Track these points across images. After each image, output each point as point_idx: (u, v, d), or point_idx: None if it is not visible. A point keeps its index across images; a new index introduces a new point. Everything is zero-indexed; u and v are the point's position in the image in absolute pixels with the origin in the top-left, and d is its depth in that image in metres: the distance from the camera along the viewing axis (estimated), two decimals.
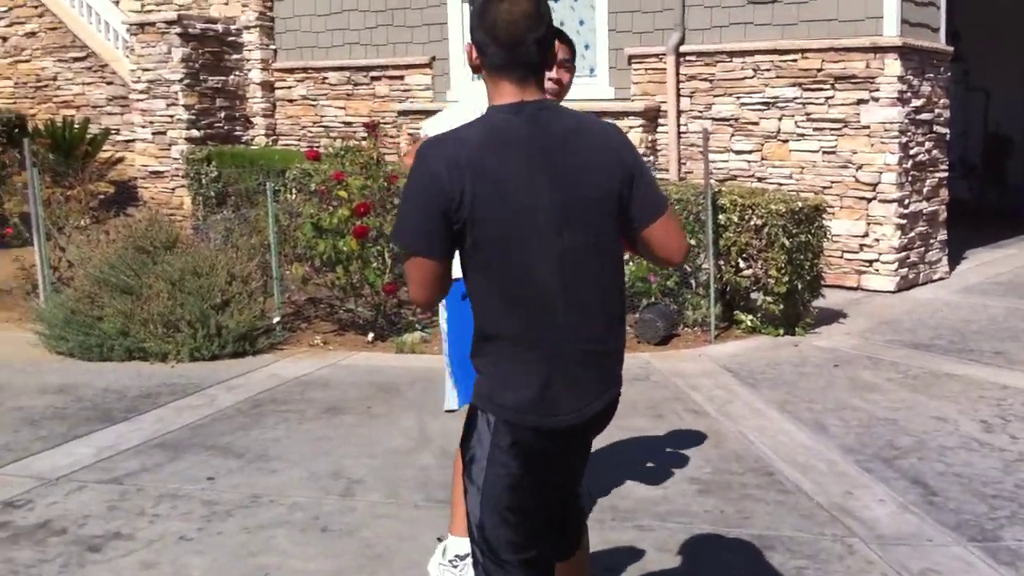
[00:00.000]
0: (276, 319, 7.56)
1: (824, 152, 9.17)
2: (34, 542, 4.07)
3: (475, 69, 2.55)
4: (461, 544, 3.46)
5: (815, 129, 9.22)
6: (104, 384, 6.36)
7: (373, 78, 11.89)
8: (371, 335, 7.57)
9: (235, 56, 12.36)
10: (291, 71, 12.48)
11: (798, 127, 9.30)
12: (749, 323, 7.57)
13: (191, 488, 4.64)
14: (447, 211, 2.36)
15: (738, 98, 9.62)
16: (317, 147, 9.63)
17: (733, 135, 9.68)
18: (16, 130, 11.89)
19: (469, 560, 3.20)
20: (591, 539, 4.03)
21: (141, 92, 12.02)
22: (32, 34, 13.42)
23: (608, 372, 2.56)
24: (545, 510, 2.61)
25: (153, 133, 12.00)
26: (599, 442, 5.19)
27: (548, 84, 3.40)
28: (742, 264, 7.54)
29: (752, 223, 7.45)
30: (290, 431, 5.45)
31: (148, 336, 6.85)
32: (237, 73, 12.39)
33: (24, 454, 5.11)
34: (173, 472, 4.85)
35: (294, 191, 9.12)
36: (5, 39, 13.65)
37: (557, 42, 3.43)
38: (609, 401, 2.57)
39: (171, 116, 11.82)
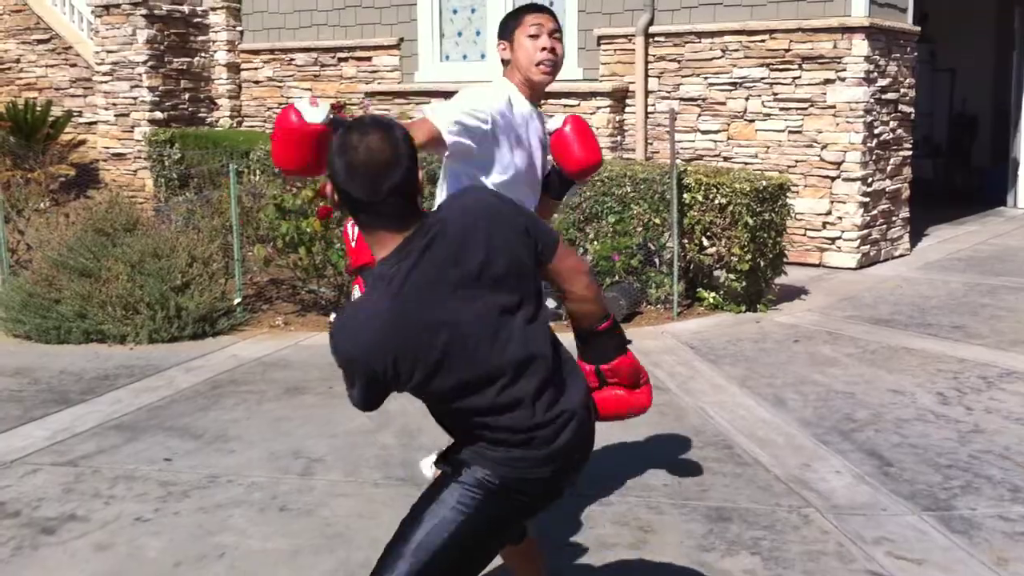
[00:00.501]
0: (237, 300, 7.50)
1: (790, 132, 9.19)
2: None
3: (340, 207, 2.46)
4: None
5: (781, 109, 9.23)
6: (61, 367, 6.29)
7: (340, 59, 11.81)
8: (333, 316, 7.51)
9: (201, 38, 12.25)
10: (257, 53, 12.38)
11: (765, 107, 9.31)
12: (712, 300, 7.59)
13: (147, 469, 4.60)
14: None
15: (706, 78, 9.62)
16: None
17: (700, 115, 9.69)
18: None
19: None
20: (551, 513, 4.04)
21: (105, 74, 11.89)
22: None
23: None
24: None
25: (116, 115, 11.88)
26: None
27: (544, 55, 3.44)
28: (706, 242, 7.55)
29: (716, 202, 7.46)
30: (249, 412, 5.42)
31: (107, 318, 6.79)
32: (203, 55, 12.28)
33: None
34: (129, 454, 4.81)
35: (258, 172, 9.05)
36: None
37: (541, 14, 3.49)
38: None
39: (135, 98, 11.70)
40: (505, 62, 3.52)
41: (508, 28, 3.50)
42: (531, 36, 3.43)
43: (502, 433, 2.42)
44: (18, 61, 13.21)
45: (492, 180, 3.42)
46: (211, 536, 3.91)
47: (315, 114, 2.94)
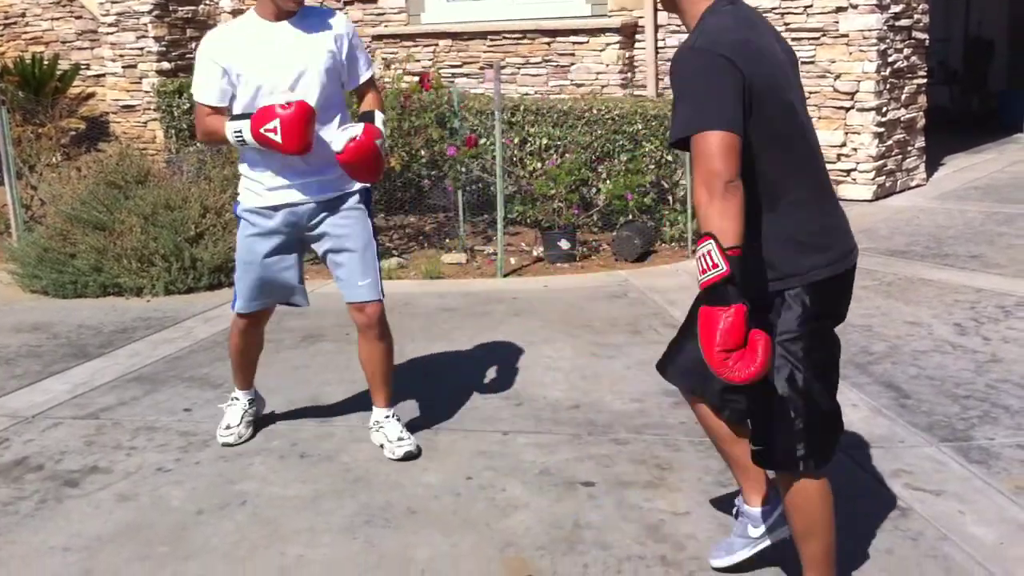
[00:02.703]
0: None
1: (802, 62, 9.02)
2: (11, 479, 4.07)
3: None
4: None
5: (793, 39, 9.08)
6: (79, 320, 6.33)
7: (346, 3, 11.67)
8: None
9: None
10: None
11: None
12: None
13: (168, 420, 4.64)
14: (743, 90, 2.51)
15: None
16: None
17: None
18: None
19: None
20: (568, 454, 4.07)
21: (110, 25, 11.79)
22: None
23: None
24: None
25: (123, 67, 11.80)
26: (576, 357, 5.21)
27: None
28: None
29: None
30: (267, 360, 5.40)
31: (122, 271, 6.81)
32: (207, 2, 12.15)
33: None
34: (149, 405, 4.85)
35: None
36: None
37: None
38: None
39: (141, 49, 11.62)
40: None
41: None
42: None
43: None
44: (23, 15, 13.11)
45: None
46: (232, 484, 3.95)
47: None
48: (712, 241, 2.39)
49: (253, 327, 4.28)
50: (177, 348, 5.68)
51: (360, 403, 4.73)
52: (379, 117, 3.91)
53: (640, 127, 7.69)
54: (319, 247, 4.08)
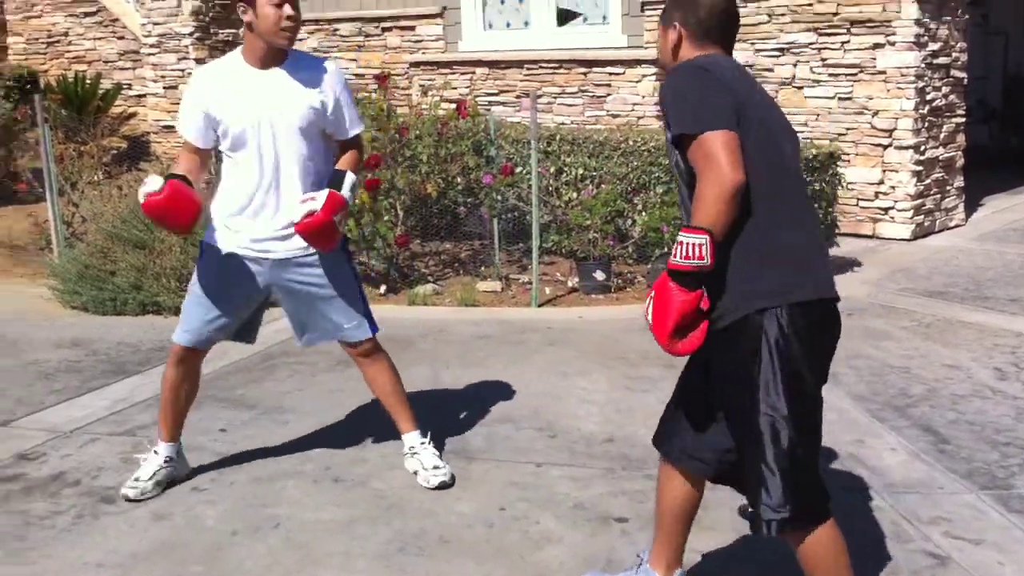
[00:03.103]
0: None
1: (840, 98, 9.06)
2: (48, 494, 4.11)
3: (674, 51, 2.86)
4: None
5: (830, 75, 9.09)
6: (118, 338, 6.39)
7: (384, 29, 11.78)
8: (383, 287, 7.58)
9: None
10: (302, 23, 12.39)
11: (813, 73, 9.17)
12: None
13: (203, 439, 4.67)
14: (736, 106, 2.62)
15: (752, 44, 9.49)
16: None
17: None
18: (28, 86, 11.86)
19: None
20: (602, 488, 4.06)
21: (152, 46, 11.97)
22: None
23: None
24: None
25: (165, 87, 11.96)
26: (610, 390, 5.20)
27: (288, 23, 3.70)
28: None
29: None
30: (302, 383, 5.48)
31: (161, 290, 6.88)
32: None
33: (38, 407, 5.15)
34: (187, 423, 4.85)
35: None
36: None
37: None
38: None
39: (182, 70, 11.76)
40: (247, 24, 3.75)
41: None
42: (274, 5, 3.67)
43: None
44: (66, 34, 13.31)
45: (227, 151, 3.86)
46: (265, 507, 3.96)
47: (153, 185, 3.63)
48: (707, 236, 2.52)
49: (189, 362, 4.09)
50: (213, 368, 5.71)
51: (393, 429, 4.73)
52: (348, 181, 3.80)
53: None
54: (289, 293, 3.99)
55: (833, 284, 2.77)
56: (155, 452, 4.16)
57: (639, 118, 9.77)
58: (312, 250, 3.87)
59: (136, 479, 4.09)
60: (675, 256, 2.55)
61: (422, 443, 4.20)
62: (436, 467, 4.12)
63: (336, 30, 12.13)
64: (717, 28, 2.82)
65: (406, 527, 3.78)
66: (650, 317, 2.63)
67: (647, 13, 9.99)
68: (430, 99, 9.00)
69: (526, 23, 10.86)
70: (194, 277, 4.01)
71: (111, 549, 3.63)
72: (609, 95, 9.96)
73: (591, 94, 10.05)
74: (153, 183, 3.63)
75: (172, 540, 3.70)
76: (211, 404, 5.15)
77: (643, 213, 7.74)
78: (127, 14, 12.79)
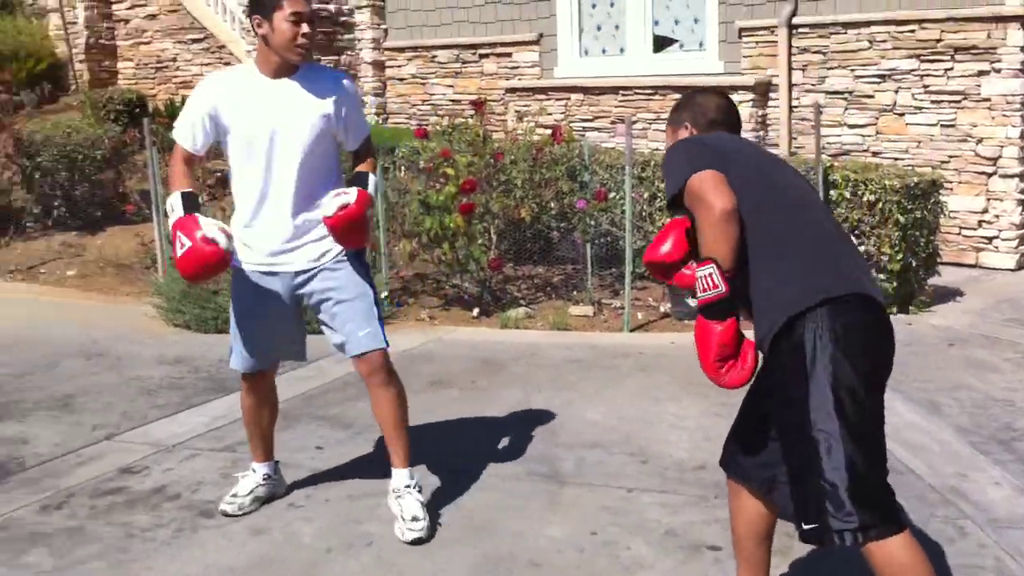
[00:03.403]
0: (384, 294, 7.67)
1: (942, 126, 8.89)
2: (150, 507, 4.22)
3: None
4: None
5: (933, 102, 8.94)
6: (219, 356, 6.53)
7: (481, 56, 11.93)
8: (476, 310, 7.64)
9: (347, 36, 12.55)
10: (401, 50, 12.61)
11: (915, 100, 9.03)
12: None
13: (300, 457, 4.76)
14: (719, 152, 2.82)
15: (852, 71, 9.38)
16: (425, 125, 9.73)
17: (847, 109, 9.45)
18: (137, 110, 12.27)
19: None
20: (694, 516, 4.03)
21: None
22: (152, 16, 13.83)
23: None
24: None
25: None
26: (701, 417, 5.15)
27: (303, 40, 3.66)
28: (854, 241, 7.36)
29: (865, 199, 7.27)
30: None
31: None
32: (349, 53, 12.57)
33: (142, 422, 5.30)
34: (283, 441, 4.96)
35: (403, 169, 9.23)
36: (127, 21, 14.10)
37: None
38: None
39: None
40: (262, 37, 3.71)
41: (266, 7, 3.66)
42: (291, 22, 3.64)
43: None
44: (174, 60, 13.75)
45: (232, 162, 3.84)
46: (359, 524, 4.01)
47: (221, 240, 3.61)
48: (713, 265, 2.67)
49: (257, 386, 4.11)
50: (311, 386, 5.83)
51: (484, 451, 4.77)
52: (372, 180, 3.86)
53: None
54: (312, 302, 3.94)
55: (867, 284, 2.74)
56: (253, 471, 4.22)
57: None
58: (328, 258, 3.85)
59: (234, 495, 4.15)
60: (699, 292, 2.71)
61: (407, 487, 3.97)
62: (415, 519, 3.87)
63: (434, 57, 12.31)
64: (724, 124, 3.04)
65: (496, 550, 3.79)
66: (699, 357, 2.77)
67: (744, 39, 9.95)
68: (525, 125, 9.07)
69: (621, 50, 10.89)
70: (232, 301, 4.05)
71: (210, 563, 3.70)
72: None
73: None
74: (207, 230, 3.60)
75: (269, 555, 3.77)
76: (308, 422, 5.25)
77: None
78: (233, 41, 13.16)
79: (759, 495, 3.03)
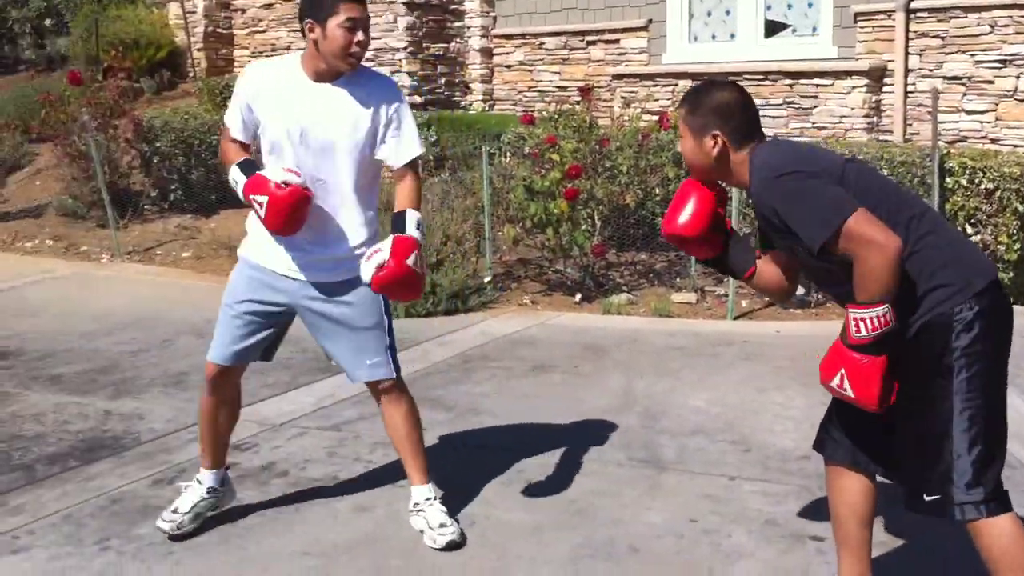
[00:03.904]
0: (487, 279, 7.74)
1: None
2: (259, 483, 4.34)
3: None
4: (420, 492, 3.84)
5: None
6: None
7: (588, 42, 11.89)
8: (578, 296, 7.65)
9: (456, 24, 12.63)
10: (509, 37, 12.64)
11: None
12: None
13: None
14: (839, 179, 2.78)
15: (972, 56, 9.08)
16: (532, 112, 9.75)
17: (965, 95, 9.16)
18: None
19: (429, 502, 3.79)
20: (796, 505, 3.98)
21: (368, 61, 12.43)
22: (268, 5, 14.12)
23: None
24: None
25: None
26: (807, 407, 5.07)
27: (357, 49, 3.45)
28: (970, 230, 7.15)
29: (982, 187, 7.06)
30: (498, 387, 5.60)
31: None
32: (458, 40, 12.66)
33: (252, 400, 5.42)
34: None
35: (508, 155, 9.28)
36: (244, 10, 14.42)
37: (358, 4, 3.46)
38: None
39: (396, 82, 12.21)
40: (312, 41, 3.48)
41: (320, 13, 3.44)
42: (345, 28, 3.42)
43: None
44: (289, 48, 14.00)
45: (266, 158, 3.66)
46: (461, 505, 4.05)
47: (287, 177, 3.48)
48: (887, 305, 2.62)
49: (223, 384, 3.80)
50: (414, 369, 5.91)
51: (585, 436, 4.79)
52: (412, 220, 3.50)
53: (886, 173, 7.44)
54: (316, 321, 3.74)
55: (995, 268, 2.85)
56: (198, 482, 3.89)
57: (846, 131, 9.49)
58: (342, 278, 3.63)
59: (174, 511, 3.81)
60: (859, 332, 2.64)
61: (428, 500, 3.82)
62: (443, 525, 3.73)
63: (542, 44, 12.32)
64: (751, 125, 2.93)
65: (595, 534, 3.80)
66: (850, 391, 2.71)
67: (860, 24, 9.71)
68: (632, 111, 9.02)
69: (732, 35, 10.73)
70: (228, 289, 3.78)
71: (315, 539, 3.80)
72: (815, 107, 9.72)
73: (796, 106, 9.83)
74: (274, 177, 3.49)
75: (373, 533, 3.84)
76: None
77: None
78: None
79: (863, 473, 3.01)
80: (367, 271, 3.38)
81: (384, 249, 3.38)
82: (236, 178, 3.56)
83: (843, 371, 2.71)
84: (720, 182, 3.03)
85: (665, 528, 3.84)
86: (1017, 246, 6.91)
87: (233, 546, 3.75)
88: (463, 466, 4.47)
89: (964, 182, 7.13)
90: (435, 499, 3.83)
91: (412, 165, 3.65)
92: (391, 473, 4.39)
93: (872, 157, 7.54)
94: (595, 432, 4.85)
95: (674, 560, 3.60)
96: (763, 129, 3.00)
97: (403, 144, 3.61)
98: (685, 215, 2.94)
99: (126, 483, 4.33)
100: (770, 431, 4.83)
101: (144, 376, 5.83)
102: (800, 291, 7.22)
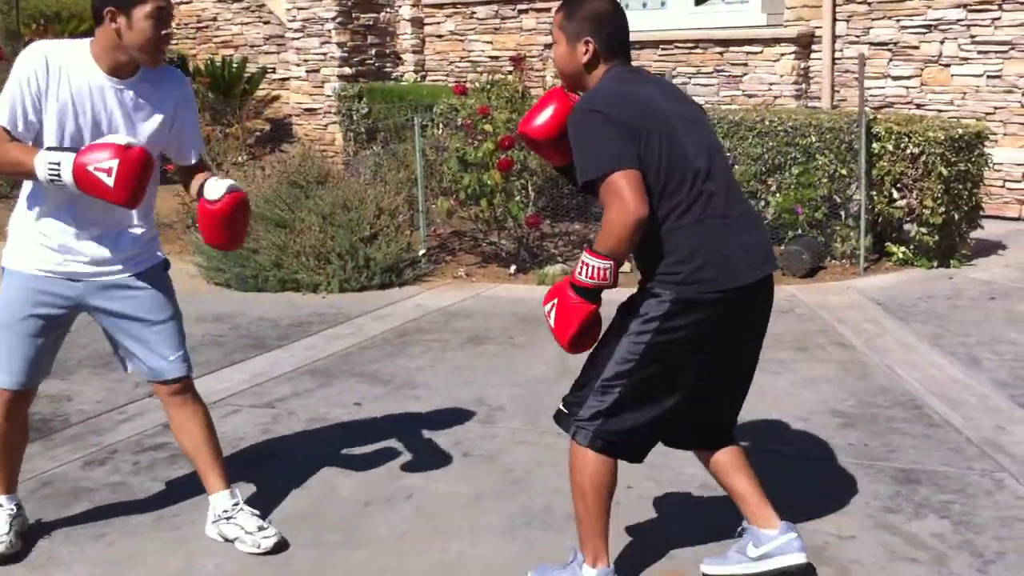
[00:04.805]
0: (422, 252, 7.71)
1: (988, 76, 8.71)
2: (191, 463, 4.28)
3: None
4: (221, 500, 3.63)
5: (979, 52, 8.75)
6: (258, 314, 6.62)
7: (520, 11, 11.83)
8: (513, 267, 7.66)
9: None
10: (440, 7, 12.53)
11: (961, 51, 8.85)
12: (901, 255, 7.32)
13: (339, 412, 4.82)
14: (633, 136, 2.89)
15: (898, 21, 9.21)
16: (464, 82, 9.70)
17: (891, 60, 9.29)
18: (178, 69, 12.34)
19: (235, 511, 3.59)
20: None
21: (296, 31, 12.29)
22: None
23: None
24: None
25: (307, 71, 12.28)
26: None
27: (164, 45, 3.25)
28: (896, 194, 7.28)
29: (908, 152, 7.18)
30: (434, 360, 5.59)
31: (300, 268, 7.10)
32: (388, 10, 12.52)
33: None
34: (322, 397, 5.04)
35: (441, 126, 9.22)
36: None
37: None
38: None
39: (324, 54, 12.06)
40: (114, 30, 3.18)
41: (127, 1, 3.15)
42: (154, 20, 3.17)
43: None
44: (215, 19, 13.78)
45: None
46: (398, 479, 4.06)
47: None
48: (612, 263, 2.81)
49: (21, 407, 3.49)
50: (349, 344, 5.88)
51: (523, 406, 4.81)
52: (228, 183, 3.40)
53: (814, 139, 7.53)
54: (111, 323, 3.49)
55: (740, 278, 2.96)
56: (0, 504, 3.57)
57: (776, 98, 9.58)
58: (134, 272, 3.44)
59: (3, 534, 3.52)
60: (581, 275, 2.85)
61: (237, 505, 3.62)
62: (262, 528, 3.55)
63: (473, 13, 12.24)
64: (621, 43, 3.06)
65: (532, 503, 3.83)
66: (552, 322, 2.94)
67: None
68: None
69: (662, 3, 10.76)
70: (2, 308, 3.38)
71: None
72: (745, 75, 9.80)
73: (727, 74, 9.91)
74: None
75: (309, 509, 3.83)
76: (346, 378, 5.31)
77: (777, 195, 7.61)
78: (273, 0, 13.17)
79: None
80: (218, 188, 3.29)
81: (227, 180, 3.35)
82: (56, 159, 3.09)
83: (555, 302, 2.93)
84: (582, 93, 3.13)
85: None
86: (942, 209, 7.04)
87: (166, 526, 3.71)
88: (400, 439, 4.46)
89: (890, 147, 7.24)
90: (242, 502, 3.64)
91: (202, 160, 3.60)
92: (326, 449, 4.38)
93: (801, 124, 7.63)
94: (532, 402, 4.87)
95: (612, 526, 3.62)
96: (630, 53, 3.12)
97: (199, 141, 3.57)
98: (541, 119, 3.05)
99: (56, 465, 4.26)
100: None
101: (72, 357, 5.71)
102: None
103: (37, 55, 3.18)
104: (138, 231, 3.45)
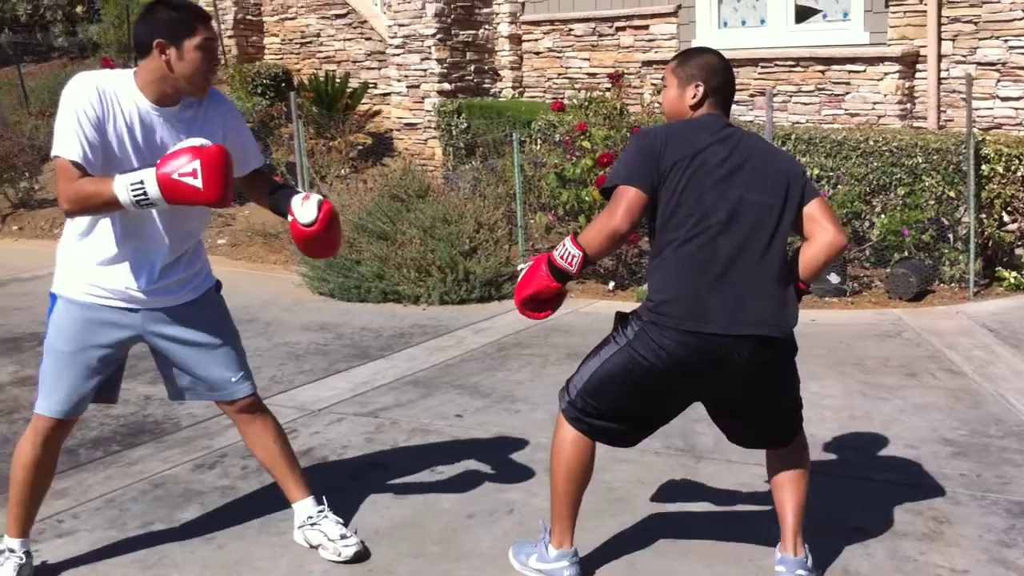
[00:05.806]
0: (520, 266, 7.73)
1: None
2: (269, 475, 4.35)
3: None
4: None
5: None
6: (361, 324, 6.73)
7: (618, 28, 11.84)
8: (611, 284, 7.65)
9: (485, 10, 12.60)
10: (538, 24, 12.61)
11: None
12: (1012, 280, 7.13)
13: (440, 424, 4.86)
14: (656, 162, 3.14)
15: (1006, 41, 8.97)
16: (562, 99, 9.74)
17: (999, 80, 9.06)
18: (283, 84, 12.62)
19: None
20: (831, 495, 3.97)
21: (397, 47, 12.46)
22: None
23: None
24: None
25: (407, 87, 12.44)
26: (845, 396, 5.06)
27: (211, 76, 3.24)
28: (1006, 218, 7.10)
29: (1019, 174, 7.00)
30: (534, 374, 5.61)
31: (402, 280, 7.20)
32: (486, 27, 12.63)
33: (289, 386, 5.50)
34: (424, 408, 5.10)
35: (539, 142, 9.27)
36: None
37: (210, 26, 3.22)
38: None
39: (424, 70, 12.21)
40: (164, 62, 3.15)
41: (176, 33, 3.13)
42: (203, 51, 3.16)
43: None
44: (318, 35, 14.05)
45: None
46: (500, 492, 4.08)
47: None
48: (581, 255, 3.05)
49: (61, 434, 3.43)
50: (450, 356, 5.94)
51: None
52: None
53: (920, 160, 7.39)
54: (170, 351, 3.44)
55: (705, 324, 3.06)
56: (10, 550, 3.43)
57: (879, 117, 9.42)
58: (187, 299, 3.42)
59: None
60: (555, 253, 3.11)
61: (321, 511, 3.64)
62: (344, 536, 3.57)
63: (570, 30, 12.28)
64: (724, 98, 3.26)
65: (633, 521, 3.81)
66: (519, 279, 3.23)
67: (891, 9, 9.62)
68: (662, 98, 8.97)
69: (762, 21, 10.66)
70: (56, 334, 3.33)
71: (355, 524, 3.80)
72: (848, 94, 9.65)
73: (829, 92, 9.77)
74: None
75: (411, 520, 3.86)
76: (447, 390, 5.36)
77: (882, 215, 7.48)
78: (375, 16, 13.38)
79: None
80: (309, 210, 3.25)
81: (313, 194, 3.32)
82: (137, 179, 2.99)
83: (530, 264, 3.22)
84: None
85: (702, 516, 3.84)
86: None
87: (273, 530, 3.78)
88: (501, 453, 4.48)
89: (1000, 169, 7.07)
90: (326, 509, 3.65)
91: (265, 168, 3.61)
92: (428, 460, 4.42)
93: (906, 144, 7.50)
94: None
95: (714, 550, 3.60)
96: (730, 108, 3.31)
97: (256, 149, 3.55)
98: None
99: (168, 467, 4.38)
100: (807, 420, 4.78)
101: None
102: (835, 279, 7.20)
103: (88, 84, 3.14)
104: (192, 256, 3.45)
